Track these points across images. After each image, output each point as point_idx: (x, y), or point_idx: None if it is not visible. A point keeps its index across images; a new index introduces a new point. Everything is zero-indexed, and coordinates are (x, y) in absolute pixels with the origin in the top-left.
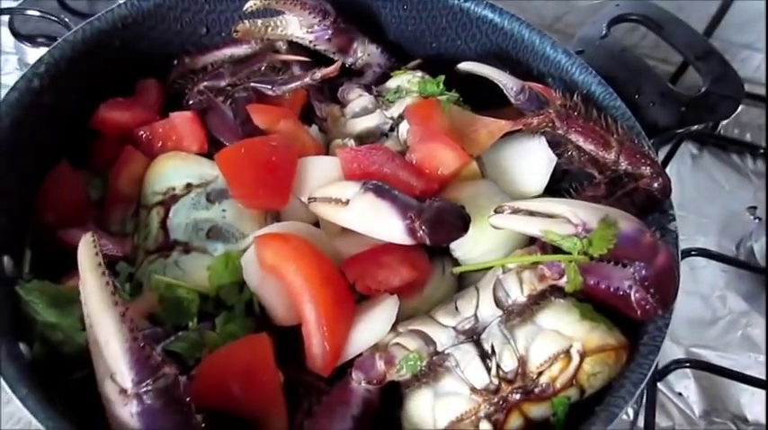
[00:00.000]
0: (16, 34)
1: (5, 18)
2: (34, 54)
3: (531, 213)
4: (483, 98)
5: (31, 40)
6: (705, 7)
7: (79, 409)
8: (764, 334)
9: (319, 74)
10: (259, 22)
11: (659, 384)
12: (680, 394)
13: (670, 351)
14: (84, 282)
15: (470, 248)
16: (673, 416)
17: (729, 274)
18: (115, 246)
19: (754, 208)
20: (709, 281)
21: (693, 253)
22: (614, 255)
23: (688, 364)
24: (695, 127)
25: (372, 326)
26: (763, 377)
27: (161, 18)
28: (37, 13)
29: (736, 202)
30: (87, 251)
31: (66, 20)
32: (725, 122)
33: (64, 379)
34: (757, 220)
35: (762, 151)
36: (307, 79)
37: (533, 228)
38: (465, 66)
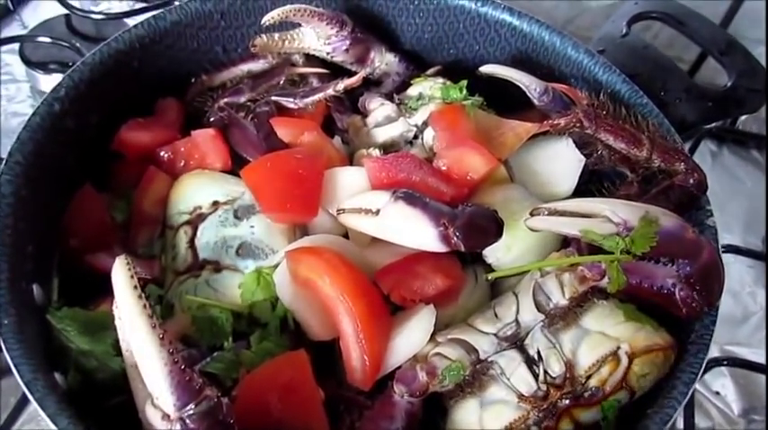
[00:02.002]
0: (27, 62)
1: (15, 46)
2: (46, 81)
3: (569, 214)
4: (504, 103)
5: (42, 66)
6: (715, 6)
7: None
8: None
9: (342, 84)
10: (276, 35)
11: (696, 384)
12: (717, 393)
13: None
14: (122, 306)
15: (504, 253)
16: (712, 416)
17: (757, 270)
18: (143, 269)
19: None
20: (737, 278)
21: (722, 250)
22: (657, 252)
23: (726, 363)
24: (713, 124)
25: (411, 337)
26: None
27: (178, 36)
28: (48, 40)
29: (759, 198)
30: (123, 274)
31: (78, 45)
32: (743, 118)
33: (99, 406)
34: None
35: None
36: (330, 90)
37: (573, 228)
38: (487, 69)
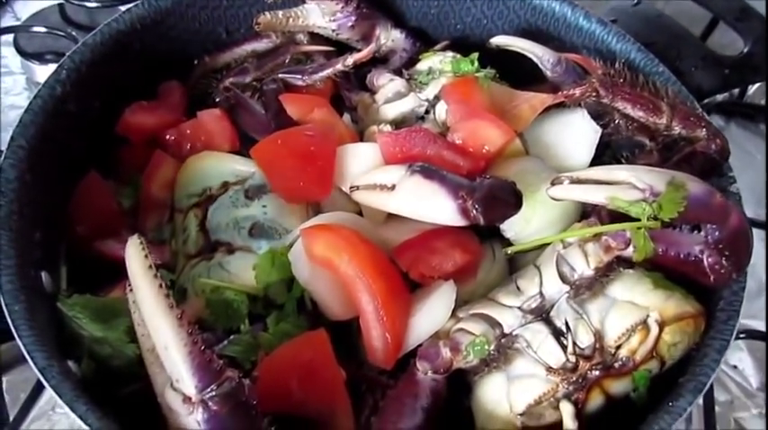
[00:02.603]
0: (22, 53)
1: (10, 38)
2: (43, 72)
3: (592, 182)
4: (515, 78)
5: (38, 57)
6: None
7: (133, 424)
8: None
9: (351, 59)
10: (280, 13)
11: None
12: (735, 367)
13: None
14: (137, 288)
15: (522, 227)
16: (730, 390)
17: None
18: (154, 254)
19: None
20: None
21: None
22: (685, 218)
23: (743, 336)
24: (720, 97)
25: (432, 314)
26: None
27: (180, 17)
28: (43, 29)
29: None
30: (136, 255)
31: (74, 34)
32: (751, 92)
33: (115, 394)
34: None
35: None
36: (339, 65)
37: (598, 196)
38: (498, 40)
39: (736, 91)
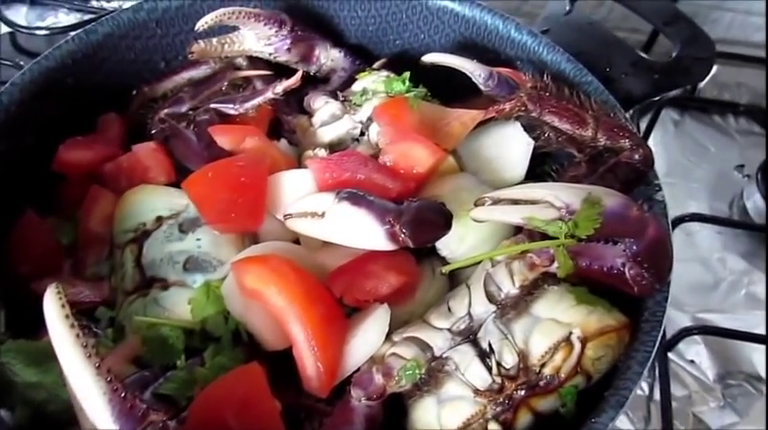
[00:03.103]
0: None
1: None
2: None
3: (512, 202)
4: (455, 91)
5: None
6: None
7: None
8: (766, 291)
9: (281, 87)
10: (214, 40)
11: (670, 354)
12: (692, 361)
13: (677, 319)
14: (54, 338)
15: (457, 245)
16: (687, 384)
17: (725, 236)
18: (92, 292)
19: (742, 166)
20: (706, 245)
21: (687, 218)
22: (602, 233)
23: (696, 331)
24: (672, 93)
25: (366, 339)
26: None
27: (113, 49)
28: None
29: (723, 163)
30: (53, 304)
31: (21, 63)
32: (702, 85)
33: None
34: (746, 178)
35: (742, 108)
36: (268, 93)
37: (515, 216)
38: (429, 58)
39: (689, 87)
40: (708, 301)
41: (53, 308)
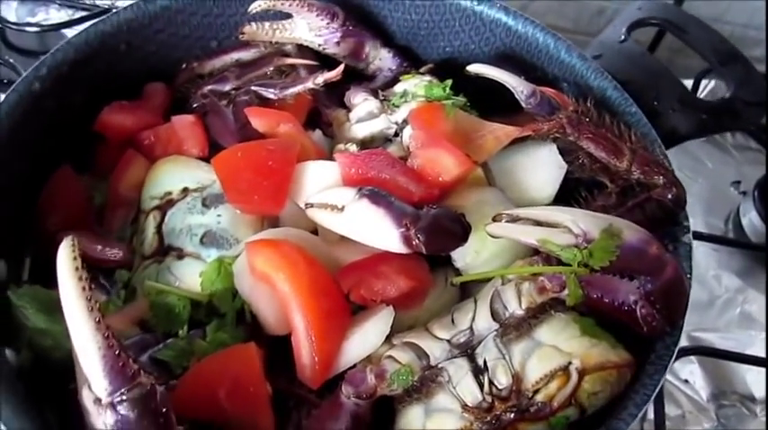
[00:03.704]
0: None
1: None
2: None
3: (531, 222)
4: (497, 104)
5: None
6: None
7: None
8: (764, 310)
9: (322, 77)
10: (266, 24)
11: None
12: (686, 381)
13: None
14: (62, 288)
15: (473, 258)
16: (681, 404)
17: (721, 253)
18: (114, 252)
19: (738, 182)
20: (702, 261)
21: None
22: (617, 267)
23: (692, 352)
24: None
25: (365, 338)
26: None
27: (168, 21)
28: None
29: (720, 179)
30: (66, 255)
31: (12, 61)
32: (702, 95)
33: (57, 389)
34: (742, 195)
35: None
36: (309, 83)
37: (530, 237)
38: (474, 68)
39: None
40: (703, 319)
41: (65, 258)
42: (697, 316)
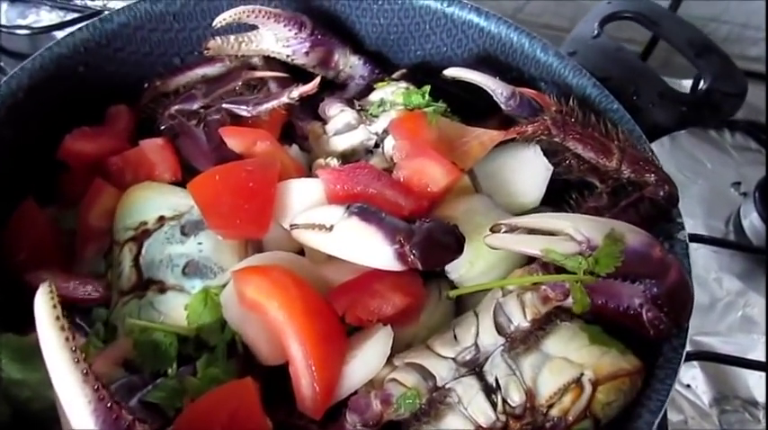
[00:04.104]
0: None
1: None
2: None
3: (530, 231)
4: (474, 108)
5: None
6: None
7: None
8: (764, 313)
9: (297, 92)
10: (231, 38)
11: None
12: (688, 386)
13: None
14: (43, 340)
15: (467, 270)
16: (683, 409)
17: (722, 255)
18: (89, 288)
19: (738, 183)
20: (702, 264)
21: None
22: (622, 272)
23: (694, 357)
24: None
25: (366, 361)
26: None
27: (128, 40)
28: None
29: (720, 180)
30: (44, 303)
31: (1, 64)
32: None
33: None
34: (743, 196)
35: (740, 124)
36: (284, 98)
37: (533, 247)
38: (451, 72)
39: None
40: (704, 323)
41: (44, 307)
42: (698, 319)
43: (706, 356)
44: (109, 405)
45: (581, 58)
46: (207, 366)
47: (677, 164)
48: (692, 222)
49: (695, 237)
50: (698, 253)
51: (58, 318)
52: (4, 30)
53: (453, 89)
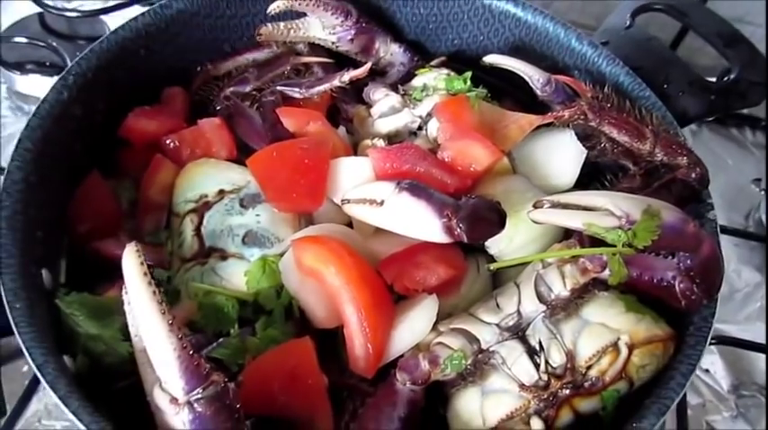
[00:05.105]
0: (3, 62)
1: None
2: (23, 82)
3: (571, 206)
4: (508, 95)
5: (18, 67)
6: None
7: (123, 419)
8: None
9: (348, 76)
10: (281, 24)
11: None
12: (707, 371)
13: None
14: (132, 293)
15: (506, 244)
16: (702, 393)
17: (741, 248)
18: (149, 256)
19: (759, 180)
20: (722, 256)
21: None
22: (658, 245)
23: (714, 341)
24: None
25: (413, 326)
26: None
27: (184, 25)
28: (24, 40)
29: (741, 176)
30: (133, 260)
31: (54, 44)
32: None
33: (107, 389)
34: (763, 192)
35: (763, 123)
36: (335, 81)
37: (576, 221)
38: (490, 59)
39: None
40: (723, 312)
41: (133, 264)
42: (717, 308)
43: (725, 341)
44: (191, 352)
45: (613, 47)
46: (265, 328)
47: None
48: None
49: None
50: None
51: (145, 273)
52: (53, 11)
53: (489, 78)
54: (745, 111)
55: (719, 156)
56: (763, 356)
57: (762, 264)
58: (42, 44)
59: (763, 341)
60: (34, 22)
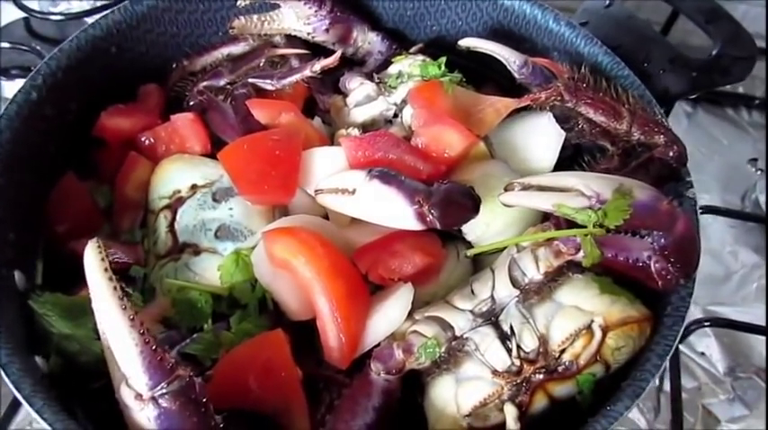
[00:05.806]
0: None
1: None
2: (9, 87)
3: (542, 188)
4: (487, 79)
5: (4, 72)
6: None
7: (100, 418)
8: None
9: (319, 65)
10: (255, 17)
11: (681, 346)
12: (702, 353)
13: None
14: (93, 288)
15: (483, 230)
16: (698, 376)
17: (738, 229)
18: (126, 254)
19: (755, 160)
20: (718, 237)
21: (700, 211)
22: (631, 225)
23: (708, 323)
24: None
25: (388, 316)
26: None
27: (156, 21)
28: (7, 45)
29: (737, 156)
30: (93, 257)
31: (38, 48)
32: None
33: (83, 389)
34: (759, 172)
35: (757, 102)
36: (306, 71)
37: (545, 203)
38: (466, 42)
39: None
40: (719, 294)
41: (93, 260)
42: (713, 290)
43: (719, 322)
44: (154, 347)
45: (593, 27)
46: (240, 321)
47: (695, 141)
48: (708, 197)
49: (711, 209)
50: (714, 227)
51: (106, 269)
52: (38, 16)
53: (467, 62)
54: (740, 90)
55: (715, 137)
56: (761, 338)
57: (759, 245)
58: (27, 49)
59: (760, 322)
60: (19, 28)
